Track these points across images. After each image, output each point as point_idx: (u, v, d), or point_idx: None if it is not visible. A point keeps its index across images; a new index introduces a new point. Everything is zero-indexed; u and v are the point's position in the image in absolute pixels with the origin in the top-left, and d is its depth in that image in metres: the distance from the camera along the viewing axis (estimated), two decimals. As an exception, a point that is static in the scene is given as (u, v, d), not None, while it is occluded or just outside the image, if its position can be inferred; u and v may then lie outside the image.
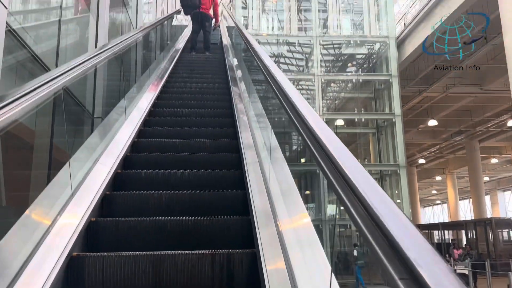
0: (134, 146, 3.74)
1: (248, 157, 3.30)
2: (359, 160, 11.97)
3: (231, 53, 7.74)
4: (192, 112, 4.71)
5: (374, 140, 15.45)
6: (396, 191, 14.21)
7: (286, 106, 2.07)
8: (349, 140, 16.14)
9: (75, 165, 2.53)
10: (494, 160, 29.79)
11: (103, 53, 2.97)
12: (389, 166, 14.51)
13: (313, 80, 14.75)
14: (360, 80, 16.01)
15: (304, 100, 1.85)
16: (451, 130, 24.06)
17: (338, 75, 16.38)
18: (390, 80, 14.77)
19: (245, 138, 3.75)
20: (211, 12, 9.40)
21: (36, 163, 3.38)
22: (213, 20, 9.62)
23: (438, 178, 35.33)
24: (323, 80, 15.10)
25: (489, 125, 22.05)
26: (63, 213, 2.17)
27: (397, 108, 14.48)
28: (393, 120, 14.49)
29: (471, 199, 31.12)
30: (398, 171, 13.99)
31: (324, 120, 11.78)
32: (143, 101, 4.70)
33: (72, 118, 4.02)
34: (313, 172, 13.87)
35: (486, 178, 34.12)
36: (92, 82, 4.26)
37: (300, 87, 15.47)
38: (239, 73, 5.81)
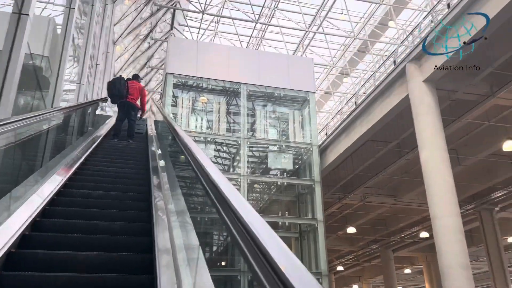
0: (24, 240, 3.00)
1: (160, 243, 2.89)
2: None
3: (155, 144, 7.40)
4: (105, 195, 4.46)
5: (296, 245, 15.10)
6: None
7: (217, 203, 1.66)
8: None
9: None
10: (407, 270, 30.67)
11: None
12: (312, 274, 14.02)
13: (239, 180, 14.55)
14: (285, 183, 16.13)
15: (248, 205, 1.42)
16: (367, 238, 24.71)
17: (263, 176, 16.40)
18: (313, 185, 15.01)
19: (160, 226, 3.35)
20: (138, 102, 9.39)
21: None
22: (140, 111, 9.51)
23: (355, 286, 35.32)
24: (248, 181, 14.97)
25: (403, 235, 23.02)
26: None
27: (319, 214, 14.49)
28: (316, 225, 14.41)
29: (387, 310, 30.97)
30: (321, 280, 13.54)
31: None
32: (51, 183, 4.15)
33: None
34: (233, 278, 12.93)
35: (400, 288, 34.76)
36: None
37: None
38: (161, 163, 5.55)
